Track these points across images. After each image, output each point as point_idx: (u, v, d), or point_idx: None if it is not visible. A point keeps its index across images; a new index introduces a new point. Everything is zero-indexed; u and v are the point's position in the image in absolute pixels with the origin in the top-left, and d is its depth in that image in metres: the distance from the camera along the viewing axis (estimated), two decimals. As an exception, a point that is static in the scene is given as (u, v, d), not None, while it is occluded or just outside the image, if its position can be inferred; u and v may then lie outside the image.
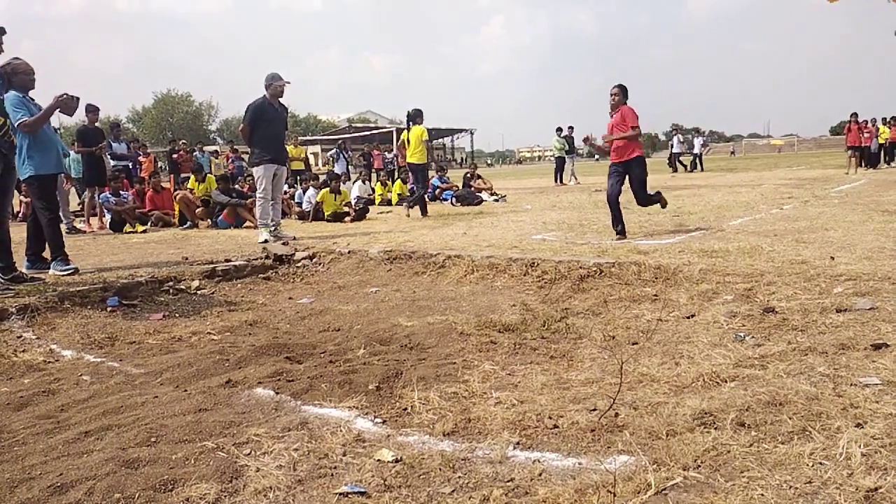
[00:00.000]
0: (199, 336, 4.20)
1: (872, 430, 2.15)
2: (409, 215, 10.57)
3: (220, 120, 76.08)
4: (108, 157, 11.82)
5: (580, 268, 5.09)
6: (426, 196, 11.06)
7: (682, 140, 26.34)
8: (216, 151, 22.20)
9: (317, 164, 25.89)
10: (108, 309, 4.86)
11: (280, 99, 8.13)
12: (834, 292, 3.93)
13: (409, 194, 14.31)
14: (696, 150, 26.16)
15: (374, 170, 19.74)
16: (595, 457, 2.20)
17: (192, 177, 12.16)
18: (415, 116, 10.60)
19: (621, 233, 6.75)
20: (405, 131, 10.80)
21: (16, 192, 6.15)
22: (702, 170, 24.83)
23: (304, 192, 11.88)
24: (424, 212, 10.70)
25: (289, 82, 8.07)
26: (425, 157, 10.66)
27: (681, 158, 25.94)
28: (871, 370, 2.71)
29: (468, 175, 15.94)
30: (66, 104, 5.57)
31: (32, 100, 5.72)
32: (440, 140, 64.49)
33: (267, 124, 7.91)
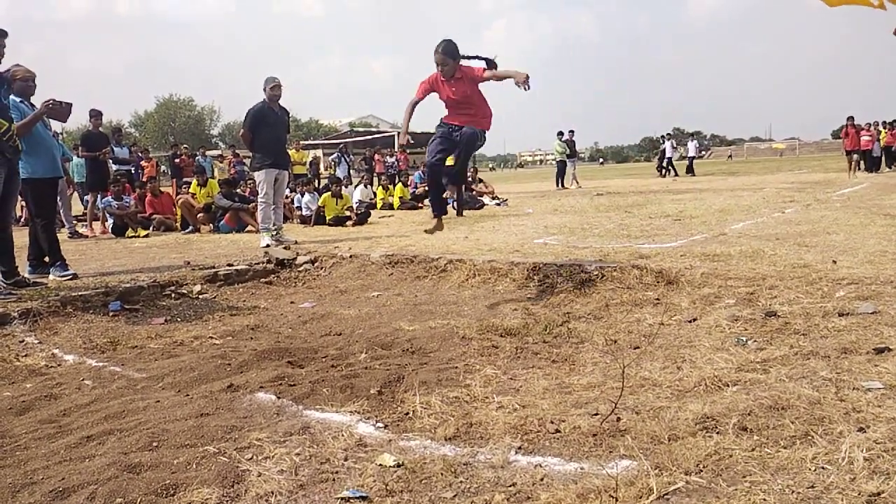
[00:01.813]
0: (200, 340, 4.20)
1: (875, 434, 2.14)
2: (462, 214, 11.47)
3: (222, 124, 76.23)
4: (111, 161, 11.86)
5: (582, 272, 5.09)
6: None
7: (675, 146, 26.33)
8: (220, 156, 22.22)
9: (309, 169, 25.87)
10: (110, 313, 4.87)
11: (280, 102, 8.15)
12: (836, 296, 3.93)
13: (410, 198, 14.38)
14: (690, 154, 26.15)
15: (375, 174, 19.75)
16: (597, 461, 2.20)
17: (194, 181, 12.19)
18: None
19: (438, 215, 5.36)
20: None
21: (19, 196, 6.13)
22: (693, 174, 24.66)
23: (302, 197, 11.88)
24: (461, 212, 11.34)
25: (280, 84, 8.00)
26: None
27: (673, 164, 25.86)
28: (874, 374, 2.70)
29: (469, 179, 15.95)
30: (54, 110, 5.51)
31: (33, 105, 5.74)
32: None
33: (268, 128, 7.92)
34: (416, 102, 5.11)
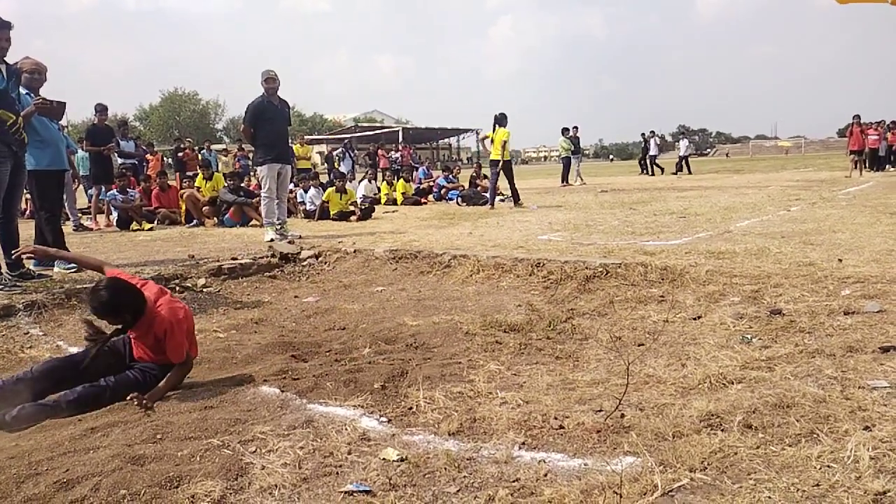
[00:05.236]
0: (205, 334, 4.20)
1: (881, 433, 2.14)
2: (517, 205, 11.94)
3: (227, 119, 76.19)
4: (116, 155, 11.87)
5: (586, 268, 5.08)
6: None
7: (658, 143, 26.18)
8: (225, 150, 22.23)
9: (324, 164, 25.79)
10: (115, 306, 4.87)
11: (286, 96, 8.12)
12: (842, 295, 3.91)
13: (413, 194, 14.39)
14: (682, 153, 26.03)
15: (379, 169, 19.74)
16: (601, 458, 2.19)
17: (200, 174, 12.19)
18: (501, 120, 11.85)
19: None
20: (491, 131, 12.13)
21: (25, 189, 6.13)
22: (689, 173, 24.48)
23: (306, 192, 11.87)
24: (518, 200, 12.03)
25: (274, 76, 7.91)
26: (508, 155, 11.97)
27: (657, 162, 25.73)
28: (880, 373, 2.69)
29: (474, 175, 15.93)
30: (44, 109, 5.43)
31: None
32: (446, 140, 64.43)
33: (268, 123, 7.87)
34: None
